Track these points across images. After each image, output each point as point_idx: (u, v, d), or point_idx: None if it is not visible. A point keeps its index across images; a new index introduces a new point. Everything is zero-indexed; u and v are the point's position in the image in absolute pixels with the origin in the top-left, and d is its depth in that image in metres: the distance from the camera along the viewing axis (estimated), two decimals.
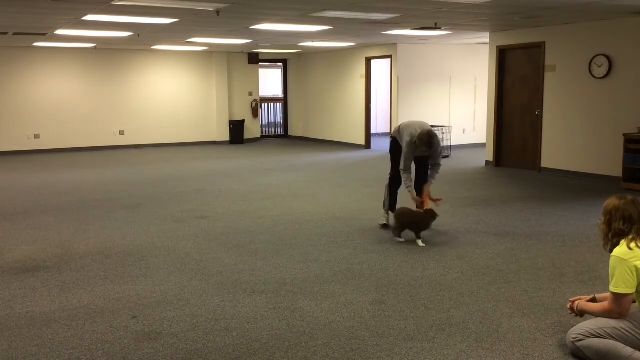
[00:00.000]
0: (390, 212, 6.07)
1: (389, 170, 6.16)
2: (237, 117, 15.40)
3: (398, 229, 5.57)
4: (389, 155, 6.15)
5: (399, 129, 5.88)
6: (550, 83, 9.73)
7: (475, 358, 3.20)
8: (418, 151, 5.57)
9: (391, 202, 6.12)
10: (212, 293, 4.24)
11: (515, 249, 5.28)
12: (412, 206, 5.81)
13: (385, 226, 6.03)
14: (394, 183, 6.09)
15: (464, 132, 13.67)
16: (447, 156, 12.12)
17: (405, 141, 5.64)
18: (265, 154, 13.12)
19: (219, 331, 3.58)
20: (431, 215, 5.53)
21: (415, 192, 5.75)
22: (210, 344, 3.40)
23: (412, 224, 5.54)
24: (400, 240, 5.50)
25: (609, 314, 3.08)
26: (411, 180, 5.72)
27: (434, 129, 12.88)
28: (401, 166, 5.69)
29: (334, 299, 4.10)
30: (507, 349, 3.30)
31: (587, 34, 9.06)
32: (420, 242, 5.40)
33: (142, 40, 11.37)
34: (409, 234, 5.57)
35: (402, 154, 5.68)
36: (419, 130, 5.51)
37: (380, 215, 6.27)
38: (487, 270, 4.72)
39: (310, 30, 9.57)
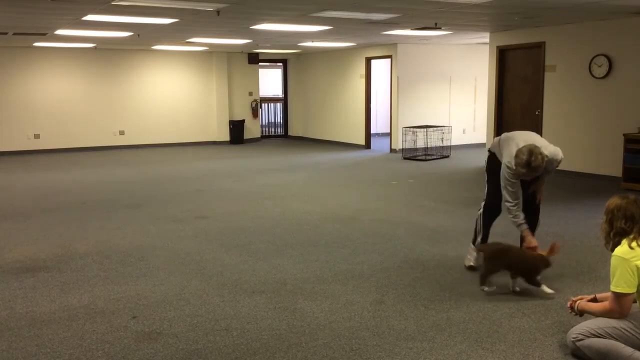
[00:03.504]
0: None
1: (484, 196, 4.76)
2: (237, 117, 15.39)
3: (487, 274, 4.21)
4: (485, 175, 4.76)
5: (499, 142, 4.58)
6: (550, 83, 9.72)
7: (475, 358, 3.19)
8: (521, 176, 4.29)
9: (484, 237, 4.76)
10: (212, 293, 4.24)
11: None
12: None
13: (472, 268, 4.67)
14: (489, 213, 4.72)
15: (464, 132, 13.68)
16: (447, 156, 12.14)
17: (503, 164, 4.35)
18: (265, 154, 13.12)
19: (219, 331, 3.58)
20: (542, 261, 4.15)
21: (530, 234, 4.37)
22: (210, 344, 3.40)
23: (516, 266, 4.15)
24: (490, 289, 4.17)
25: (609, 313, 3.08)
26: (523, 217, 4.35)
27: (436, 129, 12.89)
28: (506, 198, 4.36)
29: (334, 299, 4.10)
30: (507, 349, 3.30)
31: (587, 34, 9.06)
32: (545, 289, 4.08)
33: (142, 40, 11.37)
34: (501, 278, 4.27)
35: (502, 183, 4.38)
36: (519, 148, 4.24)
37: (466, 253, 4.87)
38: None
39: (310, 30, 9.57)
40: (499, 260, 4.16)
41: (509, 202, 4.34)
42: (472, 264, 4.69)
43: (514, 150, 4.23)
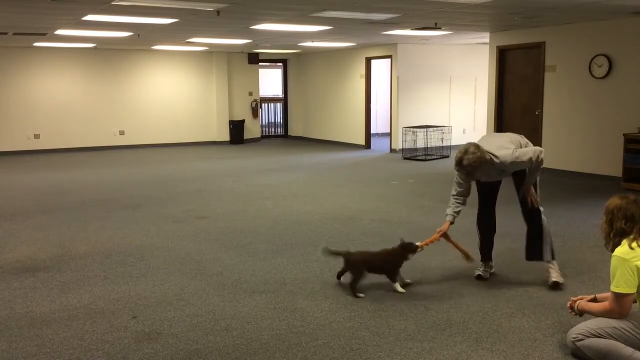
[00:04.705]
0: (484, 262, 4.61)
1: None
2: (237, 117, 15.39)
3: (355, 282, 4.23)
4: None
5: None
6: (550, 83, 9.72)
7: (475, 358, 3.19)
8: (469, 176, 4.21)
9: (481, 247, 4.65)
10: (212, 293, 4.24)
11: (515, 249, 5.26)
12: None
13: (480, 277, 4.52)
14: (482, 221, 4.64)
15: (464, 132, 13.67)
16: (447, 156, 12.13)
17: None
18: (265, 154, 13.12)
19: (219, 331, 3.58)
20: (405, 249, 4.30)
21: (447, 225, 4.37)
22: (210, 344, 3.40)
23: (377, 267, 4.30)
24: (360, 295, 4.15)
25: (609, 313, 3.08)
26: (455, 209, 4.37)
27: (436, 129, 12.82)
28: (453, 190, 4.37)
29: (334, 299, 4.10)
30: (507, 349, 3.30)
31: (587, 34, 9.06)
32: (398, 288, 4.23)
33: (142, 40, 11.37)
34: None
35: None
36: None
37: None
38: None
39: (310, 30, 9.57)
40: (357, 267, 4.27)
41: (452, 193, 4.35)
42: (479, 272, 4.51)
43: None
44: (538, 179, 4.33)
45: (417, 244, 4.32)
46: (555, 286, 4.21)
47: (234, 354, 3.28)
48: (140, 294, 4.23)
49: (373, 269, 4.28)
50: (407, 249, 4.29)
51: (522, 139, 4.37)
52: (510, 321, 3.68)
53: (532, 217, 4.38)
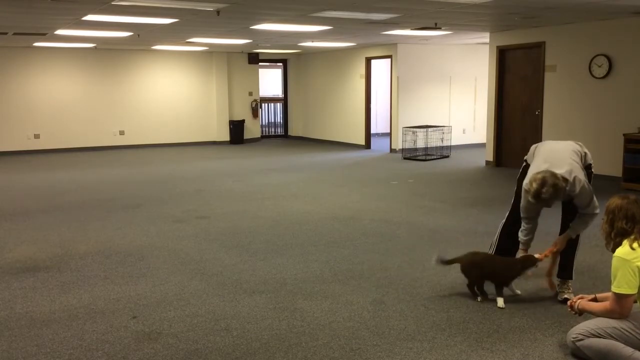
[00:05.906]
0: None
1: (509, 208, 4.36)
2: (237, 117, 15.39)
3: (472, 285, 4.09)
4: (515, 186, 4.29)
5: (534, 152, 4.14)
6: (550, 83, 9.72)
7: (475, 358, 3.19)
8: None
9: (500, 250, 4.37)
10: (212, 293, 4.24)
11: None
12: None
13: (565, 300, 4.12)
14: (509, 229, 4.31)
15: (464, 132, 13.68)
16: (447, 156, 12.14)
17: (525, 182, 3.91)
18: (265, 154, 13.11)
19: (219, 331, 3.57)
20: (524, 262, 3.96)
21: (524, 251, 4.06)
22: (210, 344, 3.40)
23: (489, 274, 4.03)
24: (479, 299, 4.03)
25: (610, 314, 3.08)
26: (529, 233, 4.05)
27: (436, 129, 12.83)
28: (522, 212, 4.06)
29: (334, 299, 4.10)
30: (507, 349, 3.30)
31: (587, 34, 9.06)
32: (499, 302, 3.92)
33: (142, 40, 11.37)
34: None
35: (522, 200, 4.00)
36: (538, 172, 3.74)
37: None
38: None
39: (310, 30, 9.57)
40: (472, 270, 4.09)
41: (522, 216, 4.05)
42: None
43: (534, 171, 3.80)
44: (580, 238, 4.07)
45: (537, 256, 3.92)
46: (565, 302, 3.84)
47: (234, 354, 3.28)
48: (140, 294, 4.23)
49: (485, 275, 4.03)
50: (526, 263, 3.93)
51: (582, 148, 4.10)
52: (510, 321, 3.68)
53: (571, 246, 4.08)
